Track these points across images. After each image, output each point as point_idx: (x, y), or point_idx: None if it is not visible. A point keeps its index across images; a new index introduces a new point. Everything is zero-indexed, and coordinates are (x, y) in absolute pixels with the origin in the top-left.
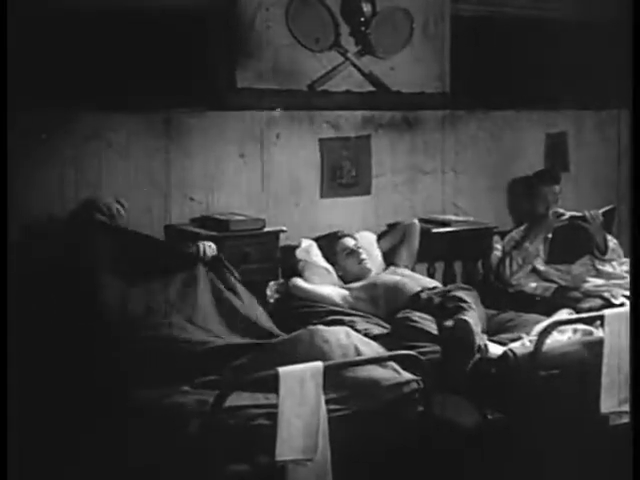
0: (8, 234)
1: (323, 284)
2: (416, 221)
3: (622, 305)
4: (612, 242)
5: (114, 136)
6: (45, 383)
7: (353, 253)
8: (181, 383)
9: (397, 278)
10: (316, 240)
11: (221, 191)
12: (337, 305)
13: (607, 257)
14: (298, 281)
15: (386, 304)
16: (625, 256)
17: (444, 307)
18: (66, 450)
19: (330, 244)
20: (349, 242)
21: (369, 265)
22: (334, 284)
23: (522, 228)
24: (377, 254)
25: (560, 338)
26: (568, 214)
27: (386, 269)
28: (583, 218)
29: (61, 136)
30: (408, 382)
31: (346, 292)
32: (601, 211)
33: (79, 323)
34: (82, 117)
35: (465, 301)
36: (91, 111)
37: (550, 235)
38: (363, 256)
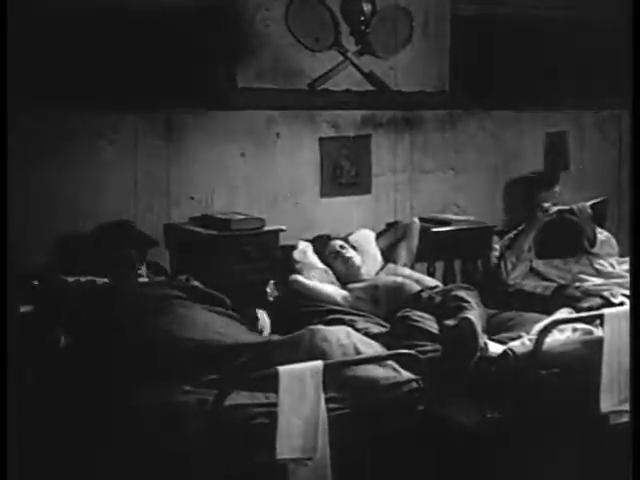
0: (8, 234)
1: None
2: (416, 220)
3: (622, 304)
4: (603, 235)
5: (114, 135)
6: (45, 382)
7: (338, 254)
8: (182, 382)
9: (399, 279)
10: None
11: (221, 190)
12: (338, 304)
13: (596, 250)
14: (299, 277)
15: (387, 304)
16: (623, 254)
17: (445, 306)
18: (66, 449)
19: (320, 248)
20: (334, 244)
21: (357, 262)
22: (333, 284)
23: (520, 228)
24: (375, 252)
25: (560, 337)
26: (555, 208)
27: (384, 267)
28: (571, 211)
29: (61, 136)
30: (408, 381)
31: (347, 293)
32: (589, 203)
33: (80, 322)
34: (82, 116)
35: (466, 300)
36: (91, 110)
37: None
38: (348, 255)
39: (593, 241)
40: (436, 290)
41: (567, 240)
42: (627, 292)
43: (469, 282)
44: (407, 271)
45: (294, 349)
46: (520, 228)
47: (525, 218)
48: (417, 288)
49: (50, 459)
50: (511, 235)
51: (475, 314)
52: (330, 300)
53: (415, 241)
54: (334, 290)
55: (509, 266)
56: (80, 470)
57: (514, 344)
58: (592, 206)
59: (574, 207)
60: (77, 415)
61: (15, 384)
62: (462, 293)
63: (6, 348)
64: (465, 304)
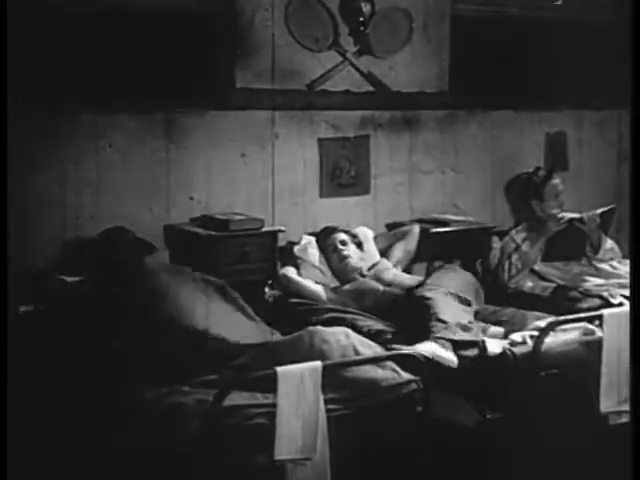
0: (8, 235)
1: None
2: (416, 227)
3: (620, 305)
4: (609, 243)
5: (114, 136)
6: (45, 382)
7: (336, 250)
8: (181, 382)
9: (380, 288)
10: (316, 235)
11: (221, 191)
12: (323, 303)
13: (600, 256)
14: (288, 271)
15: (374, 311)
16: (625, 257)
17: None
18: (66, 449)
19: (323, 239)
20: (336, 238)
21: (353, 263)
22: (327, 284)
23: (519, 228)
24: (373, 249)
25: (562, 337)
26: (567, 217)
27: (376, 264)
28: (580, 220)
29: (62, 136)
30: (407, 382)
31: (332, 295)
32: (599, 211)
33: (80, 323)
34: (82, 117)
35: (427, 297)
36: (91, 111)
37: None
38: (345, 253)
39: (597, 249)
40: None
41: (571, 246)
42: (626, 292)
43: None
44: (390, 274)
45: (293, 350)
46: (520, 227)
47: (527, 215)
48: (397, 293)
49: (49, 459)
50: (513, 236)
51: (437, 301)
52: (315, 297)
53: (413, 244)
54: (319, 290)
55: (513, 271)
56: (79, 470)
57: (514, 339)
58: (601, 214)
59: (584, 216)
60: (76, 415)
61: (15, 384)
62: (423, 289)
63: (6, 348)
64: (426, 300)
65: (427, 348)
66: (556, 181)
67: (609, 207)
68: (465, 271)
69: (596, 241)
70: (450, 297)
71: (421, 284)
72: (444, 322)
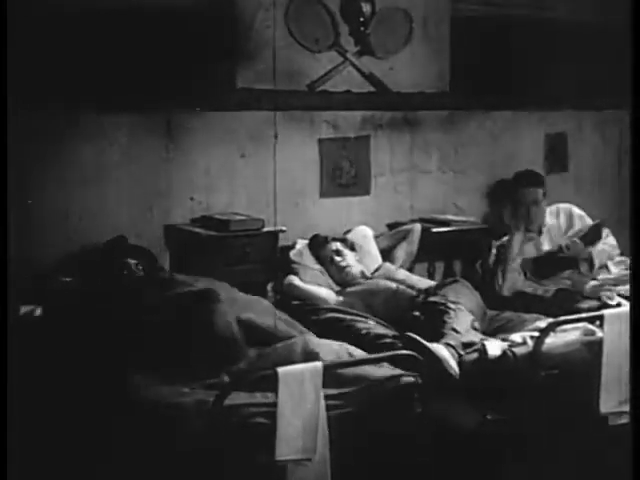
0: (8, 235)
1: (318, 285)
2: (418, 225)
3: (618, 305)
4: (605, 247)
5: (115, 136)
6: (45, 383)
7: (332, 261)
8: (181, 384)
9: (394, 285)
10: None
11: (221, 191)
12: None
13: (595, 269)
14: (294, 280)
15: (383, 311)
16: (621, 256)
17: (431, 312)
18: (66, 450)
19: (317, 249)
20: (330, 249)
21: (354, 271)
22: (329, 285)
23: (506, 239)
24: (374, 251)
25: (562, 337)
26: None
27: (380, 267)
28: (560, 249)
29: (62, 136)
30: (407, 382)
31: (341, 298)
32: (581, 234)
33: (81, 323)
34: (83, 117)
35: (448, 306)
36: (92, 111)
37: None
38: (343, 263)
39: (591, 266)
40: (428, 299)
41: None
42: (624, 292)
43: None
44: (401, 274)
45: (290, 355)
46: (506, 238)
47: (509, 220)
48: (411, 293)
49: (49, 459)
50: (497, 244)
51: (458, 314)
52: (324, 303)
53: (415, 245)
54: (328, 294)
55: (499, 278)
56: (79, 470)
57: (514, 339)
58: (583, 237)
59: (562, 245)
60: (77, 415)
61: (15, 384)
62: (445, 298)
63: (6, 348)
64: (446, 308)
65: (440, 351)
66: (541, 190)
67: (593, 224)
68: (474, 290)
69: (588, 259)
70: (469, 316)
71: (434, 290)
72: (457, 332)
